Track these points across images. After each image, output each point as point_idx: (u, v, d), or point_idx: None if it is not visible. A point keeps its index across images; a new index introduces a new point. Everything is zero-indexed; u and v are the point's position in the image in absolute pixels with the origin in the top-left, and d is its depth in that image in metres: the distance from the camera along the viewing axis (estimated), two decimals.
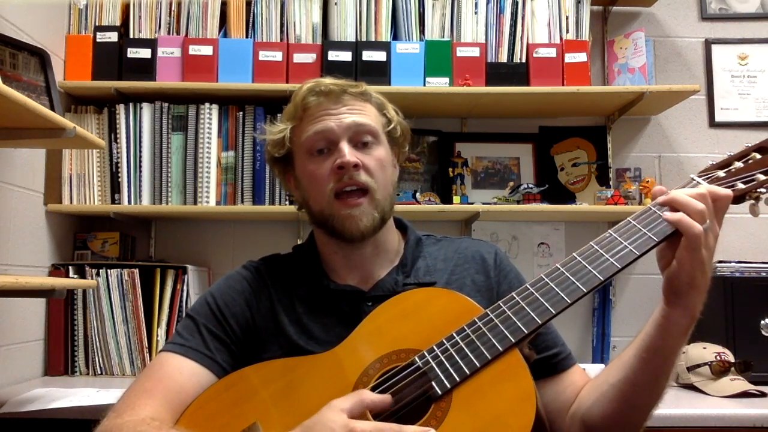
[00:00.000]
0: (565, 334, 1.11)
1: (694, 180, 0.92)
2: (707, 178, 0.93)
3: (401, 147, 1.18)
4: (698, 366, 1.76)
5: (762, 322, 1.79)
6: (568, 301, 0.87)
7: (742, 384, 1.69)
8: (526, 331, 0.86)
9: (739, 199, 0.91)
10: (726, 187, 0.89)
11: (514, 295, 0.90)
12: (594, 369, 1.04)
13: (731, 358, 1.76)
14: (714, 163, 0.96)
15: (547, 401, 1.02)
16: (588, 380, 1.04)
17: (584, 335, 2.26)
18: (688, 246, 0.83)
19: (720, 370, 1.73)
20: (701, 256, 0.84)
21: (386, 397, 0.84)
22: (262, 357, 1.02)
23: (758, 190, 0.90)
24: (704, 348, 1.78)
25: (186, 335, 1.04)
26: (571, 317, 2.25)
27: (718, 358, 1.74)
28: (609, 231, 0.91)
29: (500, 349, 0.85)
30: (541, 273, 0.91)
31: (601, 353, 2.20)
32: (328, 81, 1.10)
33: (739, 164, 0.94)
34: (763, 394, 1.67)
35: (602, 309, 2.24)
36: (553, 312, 0.87)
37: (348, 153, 1.05)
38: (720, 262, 1.98)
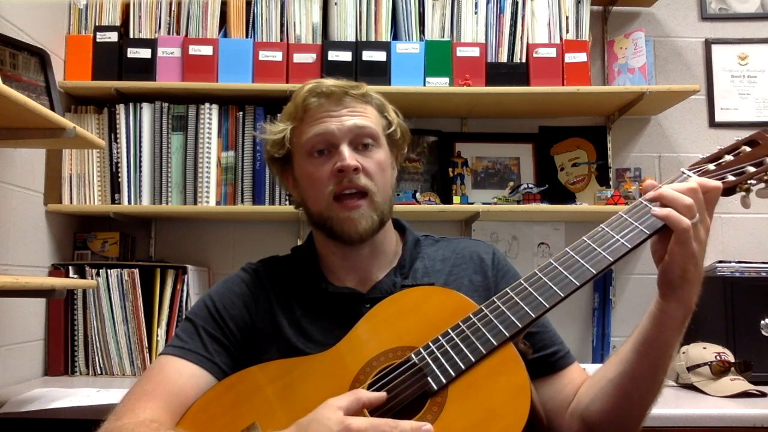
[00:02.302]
0: (565, 334, 1.12)
1: (685, 173, 0.93)
2: (697, 171, 0.94)
3: (400, 149, 1.18)
4: (698, 366, 1.76)
5: (762, 322, 1.79)
6: (561, 294, 0.87)
7: (742, 384, 1.69)
8: (520, 325, 0.87)
9: (729, 191, 0.92)
10: (716, 180, 0.90)
11: (508, 291, 0.91)
12: (594, 369, 1.04)
13: (731, 358, 1.76)
14: (705, 156, 0.97)
15: (546, 399, 1.03)
16: (587, 378, 1.04)
17: (584, 335, 2.26)
18: (677, 240, 0.84)
19: (720, 370, 1.73)
20: (692, 249, 0.84)
21: (381, 395, 0.85)
22: (261, 359, 1.02)
23: (748, 181, 0.91)
24: (704, 348, 1.78)
25: (185, 338, 1.04)
26: (570, 317, 2.25)
27: (718, 358, 1.74)
28: (601, 225, 0.92)
29: (495, 343, 0.86)
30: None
31: (601, 353, 2.20)
32: (329, 82, 1.10)
33: (729, 157, 0.95)
34: (763, 394, 1.67)
35: (602, 309, 2.24)
36: (547, 306, 0.87)
37: (348, 156, 1.05)
38: (720, 262, 1.98)
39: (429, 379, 0.86)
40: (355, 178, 1.05)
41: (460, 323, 0.90)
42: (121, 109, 2.06)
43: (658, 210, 0.86)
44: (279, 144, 1.12)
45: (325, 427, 0.78)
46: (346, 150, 1.05)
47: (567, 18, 2.19)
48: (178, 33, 2.13)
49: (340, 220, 1.05)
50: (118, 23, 2.12)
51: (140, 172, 2.05)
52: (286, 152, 1.12)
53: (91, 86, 2.06)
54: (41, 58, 1.61)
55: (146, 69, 2.07)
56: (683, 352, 1.80)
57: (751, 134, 0.96)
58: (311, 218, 1.11)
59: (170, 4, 2.14)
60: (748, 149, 0.94)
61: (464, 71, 2.10)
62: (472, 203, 2.17)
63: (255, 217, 2.23)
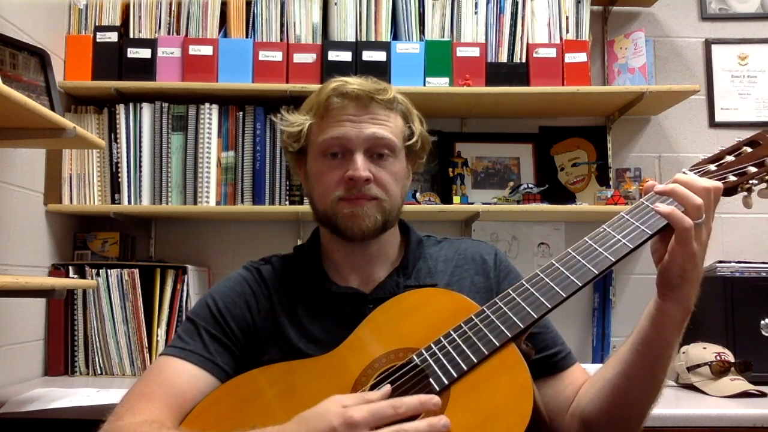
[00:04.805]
0: (565, 334, 1.11)
1: (686, 174, 0.93)
2: (699, 172, 0.94)
3: (418, 157, 1.16)
4: (698, 366, 1.76)
5: (762, 322, 1.79)
6: (563, 295, 0.87)
7: (742, 384, 1.69)
8: (522, 326, 0.86)
9: (730, 191, 0.92)
10: (717, 180, 0.90)
11: (510, 291, 0.91)
12: (593, 369, 1.04)
13: (731, 358, 1.76)
14: (706, 157, 0.97)
15: (547, 400, 1.03)
16: (588, 378, 1.04)
17: (584, 335, 2.26)
18: (678, 239, 0.84)
19: (720, 370, 1.73)
20: (692, 249, 0.84)
21: (386, 389, 0.84)
22: (262, 359, 1.02)
23: (750, 181, 0.91)
24: (704, 348, 1.78)
25: (186, 338, 1.04)
26: (571, 317, 2.25)
27: (718, 358, 1.74)
28: (603, 226, 0.92)
29: (497, 344, 0.86)
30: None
31: (601, 353, 2.20)
32: (355, 84, 1.06)
33: (730, 158, 0.95)
34: (763, 394, 1.67)
35: (602, 309, 2.24)
36: (549, 306, 0.87)
37: (361, 166, 1.03)
38: (720, 262, 1.98)
39: (431, 380, 0.86)
40: (365, 189, 1.04)
41: (462, 324, 0.90)
42: (121, 109, 2.06)
43: (661, 207, 0.86)
44: (295, 137, 1.10)
45: (325, 420, 0.77)
46: (359, 159, 1.03)
47: (567, 18, 2.19)
48: (178, 33, 2.13)
49: (344, 215, 1.04)
50: (118, 23, 2.12)
51: (140, 172, 2.05)
52: (301, 146, 1.11)
53: (91, 86, 2.05)
54: (41, 58, 1.61)
55: (146, 69, 2.07)
56: (683, 352, 1.80)
57: (752, 135, 0.96)
58: (316, 214, 1.11)
59: (170, 4, 2.14)
60: (749, 150, 0.95)
61: (464, 71, 2.10)
62: (472, 203, 2.17)
63: (255, 217, 2.23)
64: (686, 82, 2.34)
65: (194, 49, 2.08)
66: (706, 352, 1.77)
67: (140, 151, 2.06)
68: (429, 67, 2.10)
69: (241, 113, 2.10)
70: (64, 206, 2.02)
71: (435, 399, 0.79)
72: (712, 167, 0.95)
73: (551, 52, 2.13)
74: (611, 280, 2.25)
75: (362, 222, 1.04)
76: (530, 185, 2.15)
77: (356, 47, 2.10)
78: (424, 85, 2.09)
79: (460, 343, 0.88)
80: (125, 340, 1.94)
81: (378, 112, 1.06)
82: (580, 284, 0.87)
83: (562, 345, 1.08)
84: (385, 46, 2.10)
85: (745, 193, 0.92)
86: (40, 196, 1.95)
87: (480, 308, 0.91)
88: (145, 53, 2.08)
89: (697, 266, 0.86)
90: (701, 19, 2.39)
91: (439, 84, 2.09)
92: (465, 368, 0.85)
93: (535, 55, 2.13)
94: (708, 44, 2.38)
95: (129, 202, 2.04)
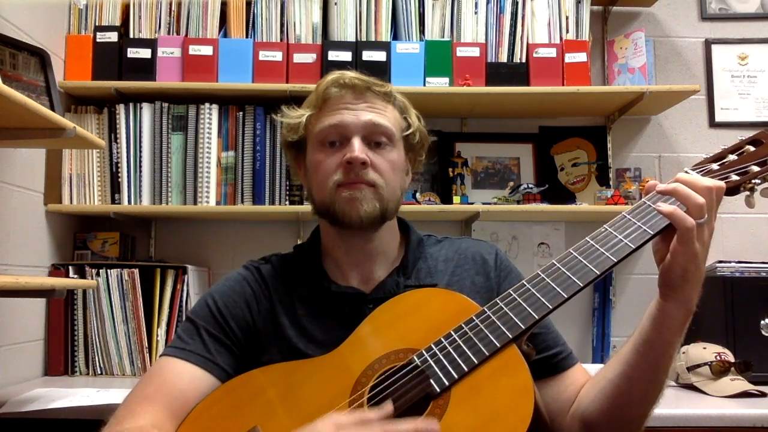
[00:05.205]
0: (565, 334, 1.11)
1: (688, 173, 0.92)
2: (701, 171, 0.93)
3: (417, 154, 1.16)
4: (698, 366, 1.76)
5: (762, 322, 1.80)
6: (564, 296, 0.87)
7: (742, 384, 1.69)
8: (523, 327, 0.86)
9: (733, 190, 0.91)
10: (720, 179, 0.90)
11: (511, 292, 0.91)
12: (594, 369, 1.04)
13: (731, 358, 1.76)
14: (708, 156, 0.96)
15: (548, 401, 1.02)
16: (590, 379, 1.04)
17: (584, 335, 2.26)
18: (680, 239, 0.84)
19: (720, 370, 1.73)
20: (694, 249, 0.84)
21: (388, 409, 0.82)
22: (262, 359, 1.02)
23: (752, 181, 0.90)
24: (704, 348, 1.78)
25: (186, 338, 1.03)
26: (571, 317, 2.25)
27: (718, 358, 1.74)
28: (604, 226, 0.91)
29: (497, 345, 0.85)
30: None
31: (601, 353, 2.20)
32: (353, 75, 1.08)
33: (732, 157, 0.94)
34: (763, 394, 1.67)
35: (602, 309, 2.24)
36: (550, 307, 0.87)
37: (358, 149, 1.03)
38: (720, 262, 1.98)
39: (431, 381, 0.85)
40: (363, 173, 1.03)
41: (463, 325, 0.89)
42: (121, 109, 2.06)
43: (663, 207, 0.85)
44: (294, 129, 1.11)
45: None
46: (356, 143, 1.04)
47: (567, 18, 2.19)
48: (178, 33, 2.13)
49: (342, 200, 1.04)
50: (118, 23, 2.12)
51: (140, 172, 2.05)
52: (300, 138, 1.11)
53: (91, 86, 2.05)
54: (41, 58, 1.61)
55: (146, 69, 2.07)
56: (683, 352, 1.80)
57: (755, 133, 0.95)
58: (316, 207, 1.10)
59: (170, 4, 2.14)
60: (751, 149, 0.94)
61: (464, 71, 2.10)
62: (472, 203, 2.17)
63: (255, 217, 2.23)
64: (686, 82, 2.34)
65: (194, 49, 2.08)
66: (706, 352, 1.77)
67: (140, 151, 2.06)
68: (429, 67, 2.10)
69: (241, 113, 2.10)
70: (64, 206, 2.02)
71: (433, 426, 0.78)
72: (715, 166, 0.94)
73: (551, 52, 2.13)
74: (611, 280, 2.25)
75: (360, 206, 1.03)
76: (530, 185, 2.15)
77: (356, 47, 2.10)
78: (424, 85, 2.09)
79: (461, 343, 0.87)
80: (125, 340, 1.94)
81: (375, 102, 1.08)
82: (581, 285, 0.87)
83: (563, 345, 1.08)
84: (385, 46, 2.10)
85: (748, 193, 0.91)
86: (40, 196, 1.95)
87: (481, 309, 0.91)
88: (145, 53, 2.08)
89: (699, 266, 0.86)
90: (701, 19, 2.40)
91: (439, 84, 2.09)
92: (466, 369, 0.85)
93: (535, 55, 2.13)
94: (708, 44, 2.38)
95: (129, 202, 2.04)
